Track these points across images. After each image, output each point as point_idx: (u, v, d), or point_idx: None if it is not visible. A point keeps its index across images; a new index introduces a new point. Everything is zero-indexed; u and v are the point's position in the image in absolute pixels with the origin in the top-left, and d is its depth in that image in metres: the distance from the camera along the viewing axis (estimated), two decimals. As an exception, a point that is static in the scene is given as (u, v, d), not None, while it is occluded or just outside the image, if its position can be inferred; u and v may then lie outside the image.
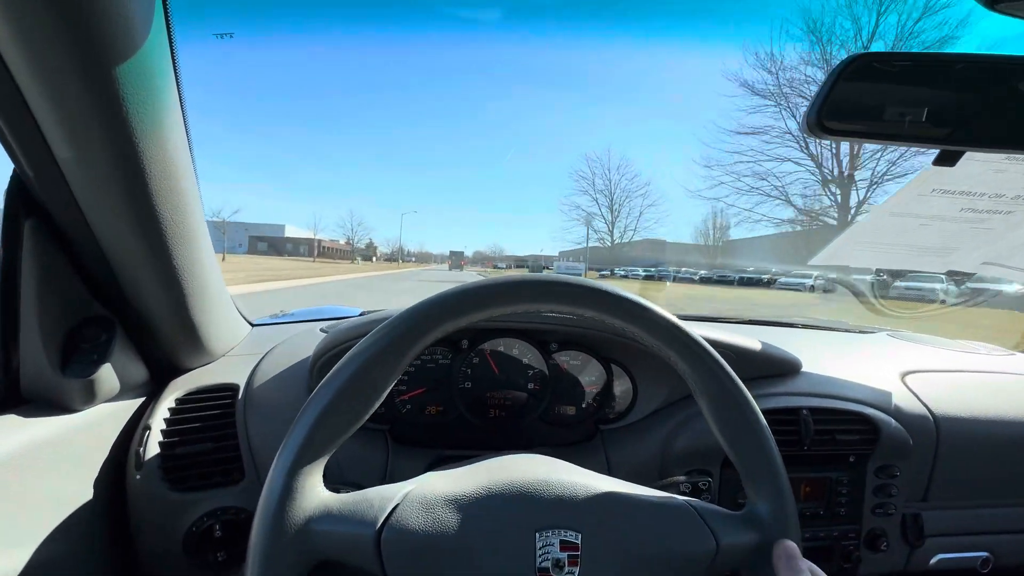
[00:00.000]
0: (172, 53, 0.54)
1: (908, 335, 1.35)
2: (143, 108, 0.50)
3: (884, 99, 0.60)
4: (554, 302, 0.47)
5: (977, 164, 0.82)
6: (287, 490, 0.40)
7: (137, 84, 0.49)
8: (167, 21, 0.52)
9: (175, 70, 0.56)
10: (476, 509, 0.43)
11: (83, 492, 0.65)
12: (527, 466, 0.48)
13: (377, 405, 0.44)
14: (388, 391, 0.45)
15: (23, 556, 0.56)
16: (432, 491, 0.44)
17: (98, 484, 0.67)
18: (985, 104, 0.61)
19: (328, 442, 0.43)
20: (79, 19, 0.42)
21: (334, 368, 0.43)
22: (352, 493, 0.44)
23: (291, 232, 75.81)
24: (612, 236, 55.42)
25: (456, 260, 71.59)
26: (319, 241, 76.10)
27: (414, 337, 0.44)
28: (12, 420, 0.59)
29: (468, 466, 0.49)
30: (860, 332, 1.38)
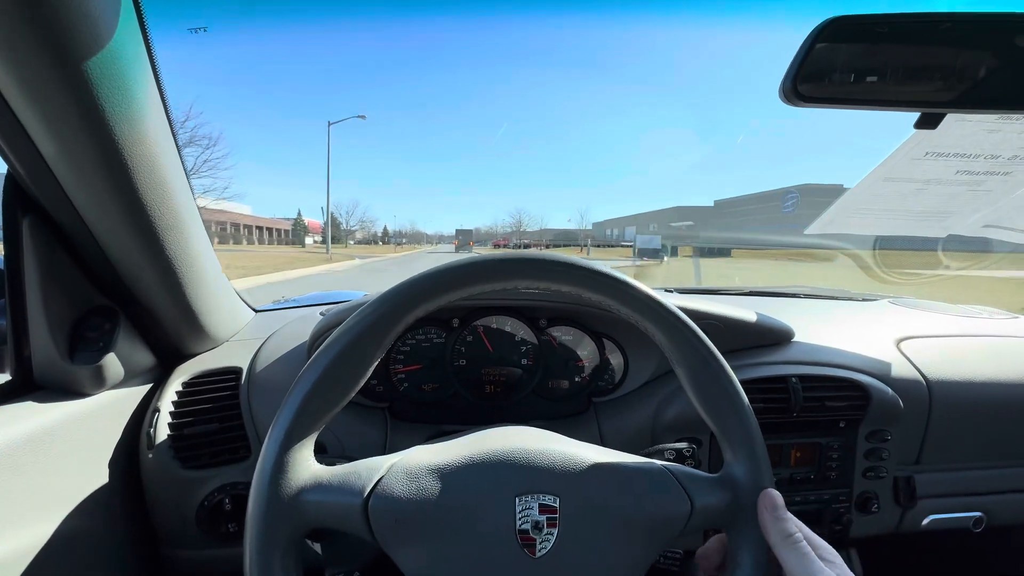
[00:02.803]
0: (148, 46, 0.56)
1: (911, 301, 1.34)
2: (119, 101, 0.52)
3: (862, 63, 0.59)
4: (530, 278, 0.47)
5: (969, 125, 0.80)
6: (279, 464, 0.42)
7: (110, 78, 0.50)
8: (139, 14, 0.53)
9: (152, 63, 0.57)
10: (458, 477, 0.45)
11: (99, 471, 0.69)
12: (508, 436, 0.50)
13: (362, 383, 0.46)
14: (373, 368, 0.46)
15: (46, 531, 0.60)
16: (416, 462, 0.46)
17: (113, 464, 0.71)
18: (970, 63, 0.59)
19: (317, 418, 0.44)
20: (43, 14, 0.43)
21: (319, 348, 0.45)
22: (341, 465, 0.46)
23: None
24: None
25: (464, 240, 62.43)
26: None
27: (394, 318, 0.45)
28: (29, 406, 0.63)
29: (451, 440, 0.51)
30: (862, 300, 1.37)
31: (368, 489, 0.43)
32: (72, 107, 0.49)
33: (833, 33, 0.58)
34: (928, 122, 0.62)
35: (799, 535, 0.43)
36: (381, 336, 0.45)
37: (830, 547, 0.43)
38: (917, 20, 0.58)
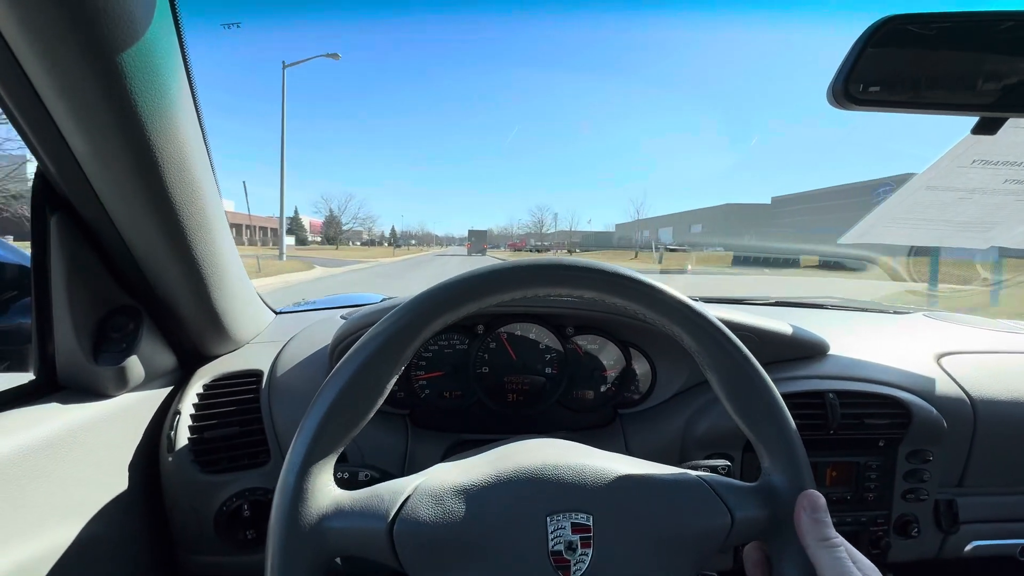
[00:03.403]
0: (180, 40, 0.55)
1: (946, 315, 1.29)
2: (151, 95, 0.51)
3: (917, 64, 0.56)
4: (552, 285, 0.46)
5: (1023, 131, 0.76)
6: (298, 491, 0.40)
7: (143, 76, 0.49)
8: (174, 13, 0.53)
9: (185, 63, 0.57)
10: (485, 497, 0.43)
11: (119, 474, 0.68)
12: (535, 451, 0.48)
13: (381, 401, 0.44)
14: (392, 384, 0.44)
15: (67, 534, 0.59)
16: (441, 482, 0.44)
17: (133, 467, 0.70)
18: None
19: (335, 441, 0.42)
20: (81, 12, 0.42)
21: (336, 367, 0.44)
22: (363, 489, 0.44)
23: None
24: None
25: (477, 242, 59.09)
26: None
27: (413, 331, 0.44)
28: (52, 407, 0.62)
29: (477, 455, 0.49)
30: (895, 312, 1.33)
31: (392, 513, 0.41)
32: (104, 100, 0.48)
33: (887, 33, 0.55)
34: (987, 127, 0.59)
35: (839, 540, 0.40)
36: (400, 350, 0.44)
37: (872, 565, 0.40)
38: (975, 19, 0.55)
